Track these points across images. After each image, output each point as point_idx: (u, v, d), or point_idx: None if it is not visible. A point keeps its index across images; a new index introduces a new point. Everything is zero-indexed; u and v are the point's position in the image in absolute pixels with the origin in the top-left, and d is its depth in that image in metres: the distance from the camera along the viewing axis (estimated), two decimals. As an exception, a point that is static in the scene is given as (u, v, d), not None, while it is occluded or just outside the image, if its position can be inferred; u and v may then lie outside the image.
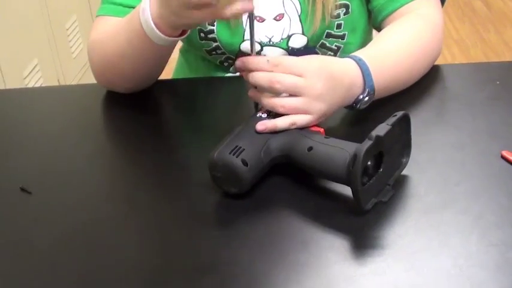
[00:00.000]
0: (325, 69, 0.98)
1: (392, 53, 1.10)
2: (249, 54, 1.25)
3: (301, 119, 0.95)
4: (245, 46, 1.25)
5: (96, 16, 1.21)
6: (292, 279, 0.78)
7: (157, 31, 1.02)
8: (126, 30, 1.09)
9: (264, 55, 1.25)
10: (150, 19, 1.01)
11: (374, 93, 1.03)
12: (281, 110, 0.94)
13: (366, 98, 1.02)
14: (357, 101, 1.02)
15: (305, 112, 0.95)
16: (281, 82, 0.95)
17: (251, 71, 0.97)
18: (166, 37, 1.03)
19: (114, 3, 1.18)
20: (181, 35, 1.04)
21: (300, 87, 0.95)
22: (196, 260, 0.82)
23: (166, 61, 1.14)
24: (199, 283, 0.79)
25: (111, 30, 1.14)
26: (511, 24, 3.46)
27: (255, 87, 0.98)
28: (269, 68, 0.95)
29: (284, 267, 0.80)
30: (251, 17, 0.98)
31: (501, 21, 3.50)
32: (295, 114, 0.95)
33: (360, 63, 1.02)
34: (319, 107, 0.96)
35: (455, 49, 3.15)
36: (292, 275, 0.79)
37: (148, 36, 1.03)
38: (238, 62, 0.98)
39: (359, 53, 1.06)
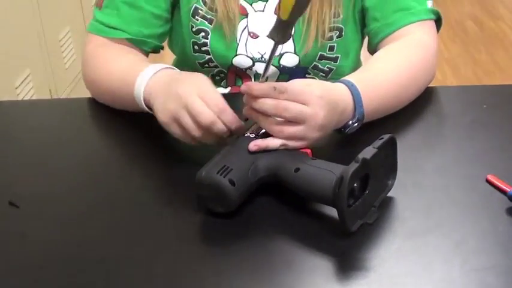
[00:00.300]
0: (327, 97, 0.97)
1: (382, 78, 1.11)
2: (241, 69, 1.27)
3: (294, 144, 0.95)
4: (237, 60, 1.26)
5: (87, 31, 1.26)
6: (276, 300, 0.79)
7: (147, 109, 1.06)
8: (119, 89, 1.13)
9: (255, 71, 1.27)
10: (142, 101, 1.06)
11: (363, 119, 1.04)
12: (279, 136, 0.95)
13: (355, 124, 1.03)
14: (346, 126, 1.03)
15: (301, 139, 0.96)
16: (288, 110, 0.94)
17: (256, 96, 0.96)
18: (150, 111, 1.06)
19: (99, 22, 1.23)
20: None
21: (305, 115, 0.95)
22: (180, 279, 0.83)
23: None
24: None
25: (105, 68, 1.18)
26: (502, 44, 3.48)
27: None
28: (275, 96, 0.94)
29: (267, 287, 0.81)
30: (275, 46, 0.97)
31: (492, 41, 3.53)
32: (291, 140, 0.95)
33: (352, 88, 1.03)
34: (316, 136, 0.97)
35: (446, 68, 3.18)
36: (276, 295, 0.80)
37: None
38: (244, 87, 0.96)
39: (350, 77, 1.06)
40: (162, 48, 1.29)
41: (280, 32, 0.95)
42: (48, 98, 2.28)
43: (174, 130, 0.98)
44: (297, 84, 0.97)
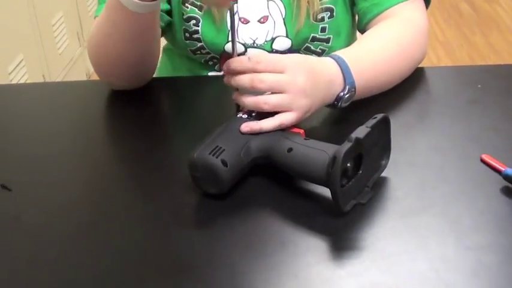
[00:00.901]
0: (306, 64, 0.98)
1: (371, 55, 1.11)
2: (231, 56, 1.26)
3: (287, 118, 0.95)
4: (229, 47, 1.25)
5: (95, 17, 1.20)
6: (270, 280, 0.79)
7: None
8: (106, 11, 1.09)
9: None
10: None
11: (355, 91, 1.03)
12: (265, 108, 0.95)
13: (347, 95, 1.02)
14: (338, 98, 1.02)
15: (289, 108, 0.95)
16: (263, 81, 0.95)
17: (234, 72, 0.97)
18: (140, 2, 1.00)
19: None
20: None
21: (283, 83, 0.95)
22: (174, 260, 0.82)
23: (153, 43, 1.14)
24: (177, 283, 0.79)
25: (96, 19, 1.15)
26: (497, 26, 3.48)
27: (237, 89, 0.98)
28: (251, 66, 0.95)
29: (262, 268, 0.80)
30: (232, 20, 0.98)
31: (487, 23, 3.52)
32: (278, 110, 0.95)
33: (339, 61, 1.03)
34: (303, 103, 0.96)
35: (440, 51, 3.17)
36: (270, 275, 0.79)
37: (123, 6, 1.02)
38: (224, 67, 0.98)
39: (338, 53, 1.06)
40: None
41: None
42: (41, 82, 2.26)
43: None
44: (272, 54, 0.99)
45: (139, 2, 1.01)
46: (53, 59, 2.65)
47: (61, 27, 2.73)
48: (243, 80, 0.96)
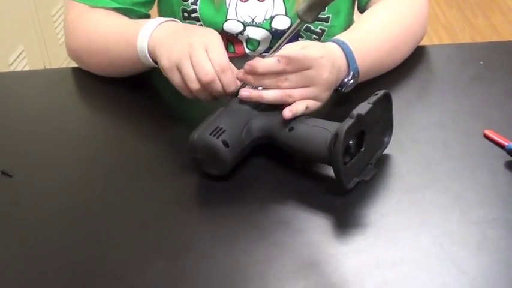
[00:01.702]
0: (327, 56, 0.96)
1: (374, 36, 1.10)
2: (232, 35, 1.25)
3: (315, 104, 0.94)
4: (228, 26, 1.24)
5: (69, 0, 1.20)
6: (273, 258, 0.78)
7: (151, 60, 1.04)
8: (118, 42, 1.11)
9: (248, 36, 1.25)
10: (147, 51, 1.03)
11: (358, 76, 1.03)
12: (290, 100, 0.93)
13: (351, 81, 1.02)
14: (342, 84, 1.02)
15: (314, 99, 0.95)
16: (294, 96, 0.93)
17: (260, 74, 0.93)
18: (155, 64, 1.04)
19: None
20: None
21: (310, 79, 0.94)
22: (176, 241, 0.82)
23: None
24: (179, 263, 0.79)
25: (98, 28, 1.15)
26: (499, 8, 3.45)
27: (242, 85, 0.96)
28: (281, 68, 0.92)
29: (265, 247, 0.80)
30: (299, 24, 0.93)
31: (489, 5, 3.49)
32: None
33: (343, 46, 1.02)
34: (326, 95, 0.96)
35: (443, 34, 3.15)
36: (273, 253, 0.79)
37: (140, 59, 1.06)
38: (247, 67, 0.93)
39: (341, 36, 1.05)
40: (149, 16, 1.26)
41: (315, 12, 0.91)
42: (40, 69, 2.26)
43: (175, 78, 0.97)
44: (297, 52, 0.95)
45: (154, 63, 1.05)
46: (54, 50, 2.64)
47: (61, 18, 2.72)
48: (268, 82, 0.93)
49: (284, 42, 0.95)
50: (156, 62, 1.04)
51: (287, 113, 0.90)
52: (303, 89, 0.94)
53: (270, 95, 0.93)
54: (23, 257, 0.82)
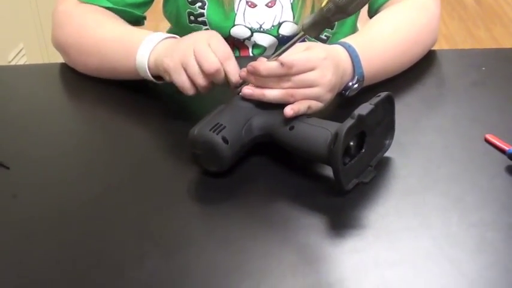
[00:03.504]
0: (331, 58, 0.96)
1: (383, 40, 1.09)
2: (238, 40, 1.24)
3: (317, 105, 0.94)
4: (235, 31, 1.23)
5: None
6: (271, 256, 0.78)
7: (150, 74, 1.04)
8: (116, 49, 1.09)
9: (254, 42, 1.24)
10: (147, 66, 1.03)
11: (363, 81, 1.02)
12: (291, 100, 0.92)
13: (356, 85, 1.01)
14: (347, 87, 1.01)
15: (316, 100, 0.94)
16: (296, 95, 0.92)
17: (262, 76, 0.93)
18: (155, 80, 1.04)
19: None
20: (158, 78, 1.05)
21: (313, 80, 0.93)
22: (175, 237, 0.81)
23: None
24: (178, 259, 0.78)
25: (93, 32, 1.13)
26: (501, 20, 3.46)
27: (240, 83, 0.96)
28: (284, 72, 0.91)
29: (263, 245, 0.79)
30: (301, 36, 0.93)
31: (491, 17, 3.50)
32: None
33: (349, 49, 1.01)
34: (329, 96, 0.95)
35: (444, 44, 3.15)
36: (271, 251, 0.78)
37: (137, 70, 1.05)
38: (250, 67, 0.93)
39: (349, 39, 1.04)
40: (145, 18, 1.25)
41: (319, 29, 0.91)
42: (39, 63, 2.25)
43: (181, 77, 0.97)
44: (300, 54, 0.94)
45: (154, 80, 1.04)
46: (53, 48, 2.64)
47: (62, 17, 2.72)
48: (271, 83, 0.92)
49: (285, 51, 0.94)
50: (155, 77, 1.03)
51: (288, 111, 0.90)
52: (305, 89, 0.93)
53: (272, 94, 0.92)
54: (20, 250, 0.81)
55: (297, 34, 1.21)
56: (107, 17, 1.16)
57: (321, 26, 0.91)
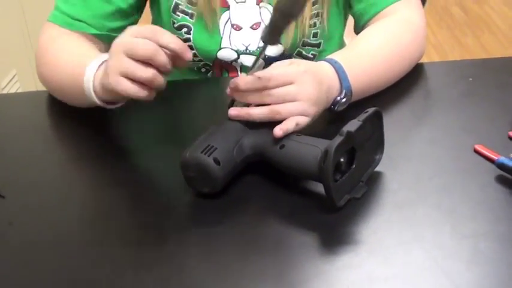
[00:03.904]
0: (311, 71, 0.97)
1: (369, 55, 1.10)
2: (226, 62, 1.25)
3: (304, 120, 0.94)
4: (222, 54, 1.24)
5: (47, 20, 1.19)
6: (266, 275, 0.78)
7: (94, 96, 1.01)
8: (70, 78, 1.07)
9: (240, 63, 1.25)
10: (91, 89, 1.00)
11: (351, 95, 1.03)
12: (277, 117, 0.93)
13: (344, 100, 1.02)
14: (335, 102, 1.02)
15: (302, 114, 0.95)
16: (272, 95, 0.94)
17: (243, 92, 0.95)
18: (101, 103, 1.02)
19: (64, 13, 1.17)
20: (113, 104, 1.02)
21: (293, 94, 0.94)
22: (168, 260, 0.82)
23: None
24: (171, 282, 0.78)
25: (57, 61, 1.13)
26: (488, 28, 3.48)
27: (231, 102, 0.97)
28: (262, 85, 0.94)
29: (258, 265, 0.80)
30: (264, 46, 0.95)
31: (478, 25, 3.52)
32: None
33: (335, 66, 1.02)
34: (312, 110, 0.96)
35: (433, 54, 3.17)
36: (266, 270, 0.79)
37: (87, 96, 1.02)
38: (231, 84, 0.95)
39: (335, 55, 1.05)
40: None
41: (276, 35, 0.93)
42: (31, 91, 2.26)
43: (126, 85, 0.91)
44: (280, 68, 0.97)
45: (100, 103, 1.01)
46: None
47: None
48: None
49: (256, 64, 0.96)
50: (107, 102, 1.01)
51: (278, 131, 0.91)
52: (289, 103, 0.94)
53: (257, 112, 0.94)
54: (17, 277, 0.81)
55: (282, 54, 1.24)
56: (74, 43, 1.15)
57: (276, 33, 0.93)
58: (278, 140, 0.91)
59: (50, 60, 1.15)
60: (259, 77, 0.94)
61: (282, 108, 0.94)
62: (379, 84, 1.11)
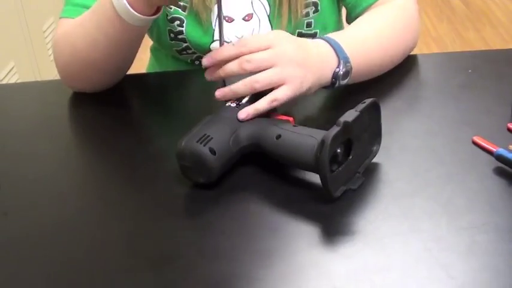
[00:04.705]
0: (291, 37, 0.98)
1: (364, 39, 1.09)
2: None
3: (281, 93, 0.93)
4: (215, 46, 1.24)
5: (60, 18, 1.17)
6: (261, 265, 0.77)
7: (132, 10, 0.98)
8: (95, 15, 1.06)
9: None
10: (126, 2, 0.97)
11: (351, 67, 1.02)
12: (257, 86, 0.93)
13: (343, 70, 1.01)
14: (335, 75, 1.00)
15: (282, 81, 0.94)
16: (251, 60, 0.93)
17: (221, 62, 0.95)
18: (142, 16, 0.99)
19: (77, 5, 1.15)
20: (155, 12, 1.00)
21: (271, 57, 0.94)
22: (164, 251, 0.81)
23: (137, 49, 1.12)
24: (167, 273, 0.78)
25: (78, 20, 1.11)
26: (489, 21, 3.47)
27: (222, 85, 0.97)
28: (236, 51, 0.94)
29: (253, 255, 0.79)
30: (220, 17, 0.96)
31: (479, 18, 3.51)
32: (271, 86, 0.94)
33: (330, 41, 1.02)
34: (296, 72, 0.95)
35: (433, 47, 3.16)
36: (261, 261, 0.78)
37: (120, 17, 0.99)
38: (205, 60, 0.96)
39: (330, 35, 1.05)
40: None
41: None
42: (30, 81, 2.26)
43: None
44: (255, 34, 0.97)
45: (141, 16, 0.99)
46: (44, 66, 2.64)
47: (52, 34, 2.72)
48: (230, 66, 0.94)
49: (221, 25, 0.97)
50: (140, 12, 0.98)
51: (240, 114, 0.92)
52: (267, 70, 0.94)
53: (237, 85, 0.94)
54: (11, 268, 0.81)
55: None
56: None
57: None
58: (274, 130, 0.90)
59: (69, 46, 1.12)
60: (233, 44, 0.94)
61: (259, 77, 0.93)
62: (374, 67, 1.10)
